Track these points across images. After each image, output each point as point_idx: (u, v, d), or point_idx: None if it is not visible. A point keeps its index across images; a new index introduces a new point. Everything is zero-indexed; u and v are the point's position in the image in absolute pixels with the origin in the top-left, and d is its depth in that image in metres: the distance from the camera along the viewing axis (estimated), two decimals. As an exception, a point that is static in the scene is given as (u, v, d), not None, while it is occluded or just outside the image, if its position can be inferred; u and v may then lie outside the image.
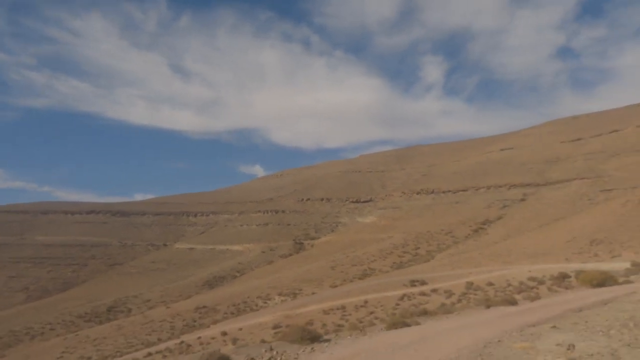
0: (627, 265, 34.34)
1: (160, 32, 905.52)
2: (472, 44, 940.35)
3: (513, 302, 17.60)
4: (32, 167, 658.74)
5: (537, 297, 19.58)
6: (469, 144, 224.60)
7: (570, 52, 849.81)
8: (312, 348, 14.88)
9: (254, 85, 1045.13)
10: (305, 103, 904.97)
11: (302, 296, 61.23)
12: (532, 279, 36.63)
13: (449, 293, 37.03)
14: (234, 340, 36.17)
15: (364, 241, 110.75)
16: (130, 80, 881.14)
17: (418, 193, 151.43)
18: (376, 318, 33.75)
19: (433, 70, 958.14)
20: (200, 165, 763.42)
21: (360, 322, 33.70)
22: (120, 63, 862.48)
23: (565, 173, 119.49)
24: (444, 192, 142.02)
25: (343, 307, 39.38)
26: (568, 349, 8.56)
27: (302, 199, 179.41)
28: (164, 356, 34.74)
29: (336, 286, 64.06)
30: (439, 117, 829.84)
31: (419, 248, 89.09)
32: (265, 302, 62.57)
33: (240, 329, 40.05)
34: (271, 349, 15.50)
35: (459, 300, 33.72)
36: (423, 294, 38.75)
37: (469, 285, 38.21)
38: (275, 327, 37.33)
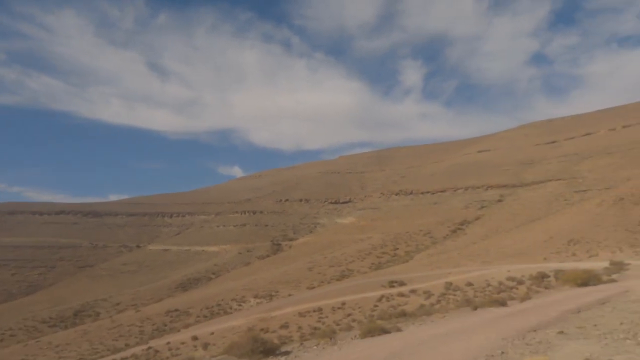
0: (606, 264, 34.21)
1: (137, 30, 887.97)
2: (451, 49, 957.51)
3: (503, 303, 16.08)
4: (1, 167, 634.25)
5: (527, 298, 18.43)
6: (447, 147, 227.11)
7: (544, 59, 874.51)
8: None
9: (234, 86, 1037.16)
10: (285, 104, 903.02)
11: (278, 298, 59.71)
12: (511, 278, 36.28)
13: (428, 294, 36.18)
14: (205, 345, 34.42)
15: (343, 242, 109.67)
16: (105, 78, 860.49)
17: (397, 194, 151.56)
18: (354, 320, 32.63)
19: (412, 74, 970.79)
20: (178, 166, 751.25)
21: (337, 324, 32.49)
22: (95, 61, 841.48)
23: (541, 174, 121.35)
24: (422, 193, 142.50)
25: (320, 309, 38.13)
26: None
27: (281, 200, 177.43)
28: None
29: (313, 288, 62.83)
30: (418, 120, 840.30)
31: (397, 249, 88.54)
32: (240, 305, 60.71)
33: (212, 333, 38.46)
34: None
35: (438, 301, 32.92)
36: (402, 294, 37.82)
37: (448, 285, 37.46)
38: (249, 330, 35.77)
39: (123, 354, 39.45)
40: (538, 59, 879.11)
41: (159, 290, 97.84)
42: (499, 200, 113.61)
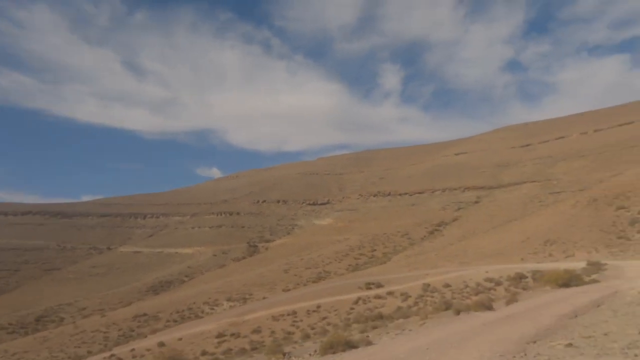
0: (583, 264, 33.84)
1: (113, 27, 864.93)
2: (429, 54, 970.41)
3: (489, 307, 14.51)
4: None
5: (513, 300, 17.24)
6: (424, 149, 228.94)
7: (519, 66, 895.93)
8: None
9: (213, 86, 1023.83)
10: (264, 106, 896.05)
11: (252, 301, 57.89)
12: (489, 279, 35.79)
13: (405, 295, 35.21)
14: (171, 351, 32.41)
15: (320, 243, 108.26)
16: (79, 76, 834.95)
17: (375, 195, 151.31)
18: (329, 324, 31.40)
19: (391, 77, 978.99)
20: (155, 166, 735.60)
21: (312, 328, 31.10)
22: (68, 58, 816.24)
23: (516, 176, 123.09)
24: (400, 194, 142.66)
25: (294, 313, 36.68)
26: None
27: (258, 201, 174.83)
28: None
29: (289, 290, 61.27)
30: (397, 123, 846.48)
31: (375, 250, 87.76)
32: (213, 309, 58.52)
33: (180, 339, 36.40)
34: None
35: (416, 303, 31.96)
36: (379, 297, 36.73)
37: (426, 287, 36.58)
38: (219, 335, 34.19)
39: (83, 362, 37.01)
40: (513, 65, 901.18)
41: (128, 294, 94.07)
42: (476, 202, 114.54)
